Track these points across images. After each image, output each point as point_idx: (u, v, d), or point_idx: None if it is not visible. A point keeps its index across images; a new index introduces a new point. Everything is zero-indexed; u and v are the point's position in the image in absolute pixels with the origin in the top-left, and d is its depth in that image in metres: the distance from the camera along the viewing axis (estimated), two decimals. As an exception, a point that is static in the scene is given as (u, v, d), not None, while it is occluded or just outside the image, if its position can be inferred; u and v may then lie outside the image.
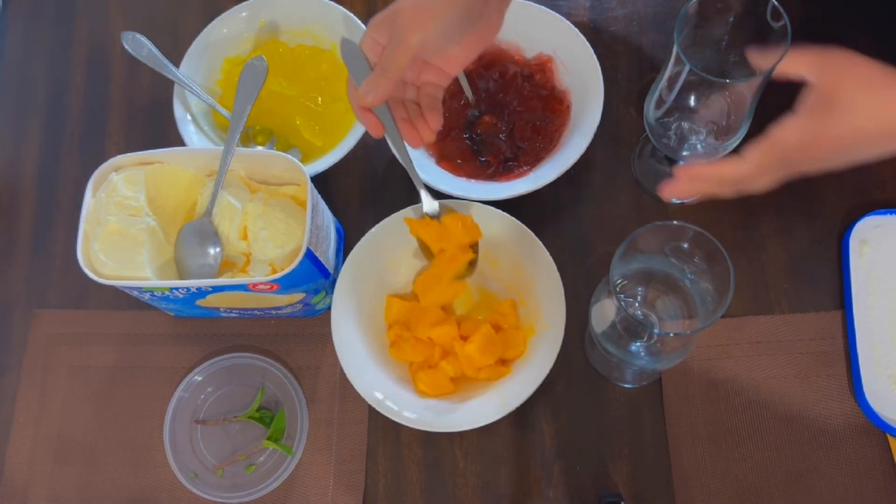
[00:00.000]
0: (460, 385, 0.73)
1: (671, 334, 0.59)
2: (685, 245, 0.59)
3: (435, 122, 0.67)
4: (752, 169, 0.58)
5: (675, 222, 0.56)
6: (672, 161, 0.76)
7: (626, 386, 0.74)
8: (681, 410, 0.73)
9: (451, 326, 0.73)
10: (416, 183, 0.72)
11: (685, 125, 0.68)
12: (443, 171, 0.80)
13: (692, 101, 0.65)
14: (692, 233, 0.57)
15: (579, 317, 0.75)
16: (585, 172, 0.81)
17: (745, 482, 0.71)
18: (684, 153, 0.69)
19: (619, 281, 0.63)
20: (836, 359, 0.74)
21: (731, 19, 0.64)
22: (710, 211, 0.79)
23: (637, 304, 0.66)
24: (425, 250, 0.75)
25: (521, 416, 0.74)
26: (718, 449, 0.72)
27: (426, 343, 0.74)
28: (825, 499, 0.70)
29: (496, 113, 0.82)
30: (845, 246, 0.76)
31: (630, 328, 0.60)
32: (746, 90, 0.62)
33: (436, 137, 0.69)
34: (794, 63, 0.58)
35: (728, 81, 0.61)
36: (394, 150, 0.73)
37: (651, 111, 0.68)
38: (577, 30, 0.81)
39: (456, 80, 0.82)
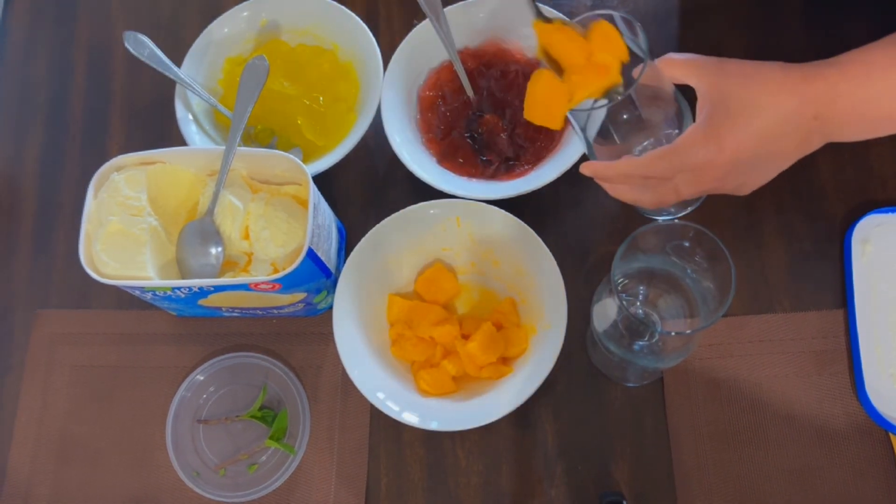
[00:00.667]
0: (462, 384, 0.73)
1: (673, 333, 0.59)
2: (686, 244, 0.59)
3: None
4: (646, 169, 0.58)
5: (676, 221, 0.56)
6: None
7: (628, 385, 0.74)
8: (682, 409, 0.73)
9: (452, 325, 0.73)
10: None
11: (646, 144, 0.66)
12: (444, 170, 0.80)
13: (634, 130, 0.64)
14: (693, 231, 0.57)
15: (581, 316, 0.75)
16: (587, 171, 0.81)
17: (746, 481, 0.71)
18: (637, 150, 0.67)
19: (620, 280, 0.63)
20: (838, 357, 0.74)
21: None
22: (711, 209, 0.79)
23: (639, 304, 0.66)
24: (554, 64, 0.61)
25: (522, 416, 0.74)
26: (720, 448, 0.72)
27: (428, 342, 0.74)
28: (827, 498, 0.70)
29: (498, 112, 0.82)
30: (847, 244, 0.76)
31: (632, 327, 0.60)
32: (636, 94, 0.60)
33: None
34: (675, 71, 0.59)
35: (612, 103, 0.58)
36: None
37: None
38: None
39: (457, 79, 0.82)
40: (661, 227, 0.57)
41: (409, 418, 0.69)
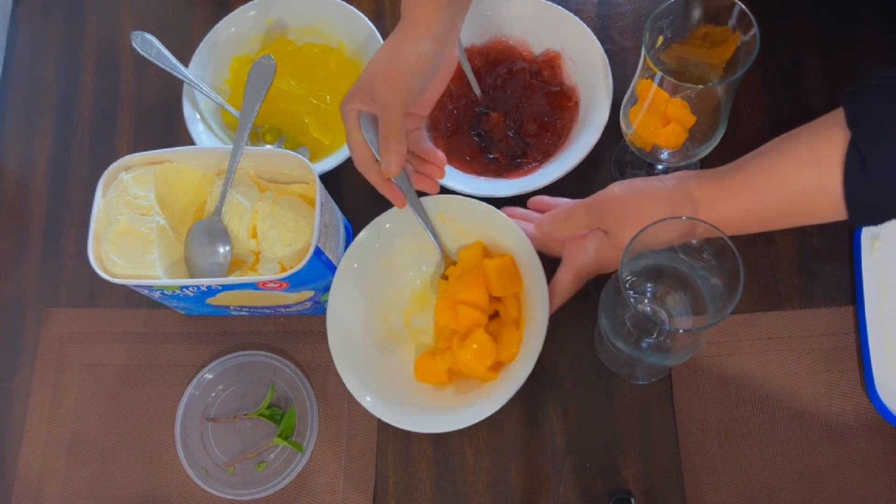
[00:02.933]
0: (456, 377, 0.73)
1: (681, 331, 0.59)
2: (694, 241, 0.59)
3: (438, 158, 0.71)
4: (573, 222, 0.69)
5: (684, 218, 0.56)
6: (651, 166, 0.77)
7: (637, 383, 0.74)
8: (691, 407, 0.73)
9: (480, 314, 0.72)
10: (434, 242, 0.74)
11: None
12: (451, 168, 0.80)
13: None
14: (701, 228, 0.57)
15: (589, 314, 0.75)
16: (594, 169, 0.81)
17: (755, 478, 0.71)
18: (662, 156, 0.69)
19: (628, 277, 0.63)
20: (848, 355, 0.73)
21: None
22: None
23: (646, 301, 0.65)
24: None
25: (530, 413, 0.74)
26: (729, 445, 0.72)
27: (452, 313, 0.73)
28: (836, 495, 0.70)
29: (504, 110, 0.82)
30: (856, 241, 0.75)
31: (639, 325, 0.60)
32: (722, 93, 0.62)
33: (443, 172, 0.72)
34: (573, 221, 0.69)
35: (702, 87, 0.61)
36: (418, 219, 0.73)
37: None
38: (585, 25, 0.80)
39: (464, 77, 0.82)
40: (670, 224, 0.57)
41: (408, 421, 0.68)
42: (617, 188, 0.66)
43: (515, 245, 0.72)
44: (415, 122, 0.71)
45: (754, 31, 0.60)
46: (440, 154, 0.71)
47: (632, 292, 0.64)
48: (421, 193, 0.73)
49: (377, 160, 0.68)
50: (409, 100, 0.65)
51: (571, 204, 0.70)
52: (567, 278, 0.70)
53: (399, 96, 0.65)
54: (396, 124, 0.65)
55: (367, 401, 0.69)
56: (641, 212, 0.63)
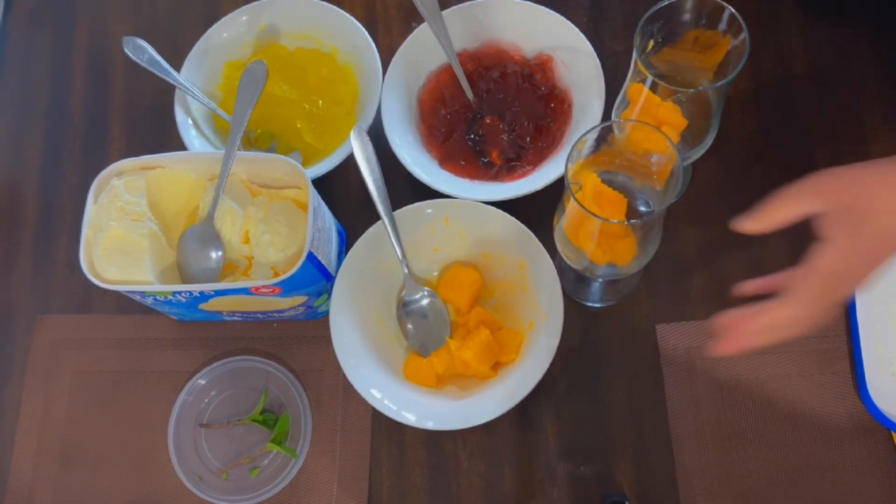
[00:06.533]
0: (450, 380, 0.73)
1: (613, 221, 0.58)
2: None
3: None
4: (808, 307, 0.55)
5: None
6: None
7: (594, 305, 0.76)
8: (684, 410, 0.73)
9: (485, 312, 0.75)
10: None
11: None
12: (446, 172, 0.80)
13: None
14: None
15: (585, 315, 0.75)
16: (587, 172, 0.81)
17: (748, 481, 0.71)
18: (653, 160, 0.69)
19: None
20: (840, 357, 0.74)
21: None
22: (711, 206, 0.79)
23: None
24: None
25: (524, 417, 0.74)
26: (722, 448, 0.72)
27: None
28: (829, 497, 0.70)
29: (498, 114, 0.82)
30: (848, 243, 0.75)
31: None
32: (713, 96, 0.63)
33: None
34: (791, 207, 0.56)
35: (693, 91, 0.61)
36: (391, 238, 0.74)
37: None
38: (577, 29, 0.81)
39: (457, 81, 0.82)
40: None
41: (408, 419, 0.68)
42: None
43: (519, 245, 0.73)
44: None
45: (744, 34, 0.61)
46: None
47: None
48: (395, 207, 0.74)
49: None
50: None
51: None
52: (807, 290, 0.55)
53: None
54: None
55: (377, 397, 0.70)
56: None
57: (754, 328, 0.56)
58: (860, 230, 0.54)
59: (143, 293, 0.68)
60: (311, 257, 0.67)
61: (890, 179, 0.54)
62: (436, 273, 0.78)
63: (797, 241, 0.77)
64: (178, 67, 0.82)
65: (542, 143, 0.80)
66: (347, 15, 0.84)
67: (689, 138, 0.66)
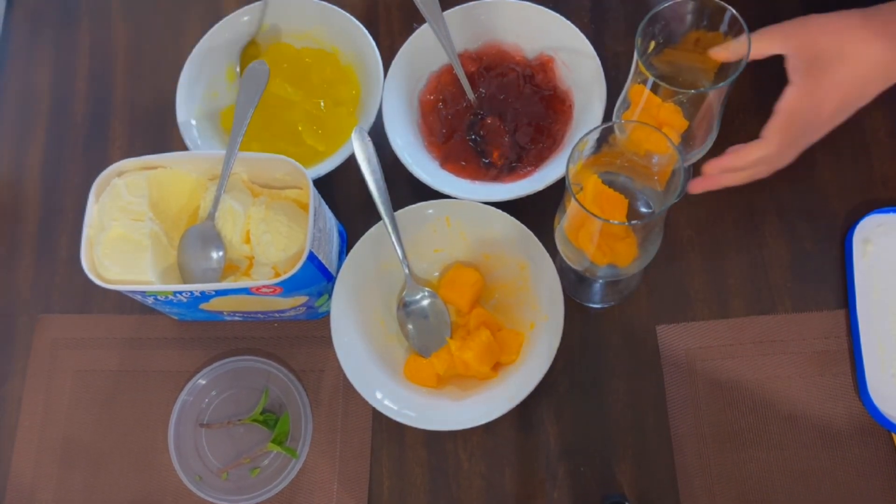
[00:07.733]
0: (447, 382, 0.73)
1: (615, 223, 0.58)
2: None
3: None
4: (777, 146, 0.61)
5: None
6: None
7: (594, 306, 0.76)
8: (684, 411, 0.73)
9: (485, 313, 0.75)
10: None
11: None
12: (447, 173, 0.80)
13: None
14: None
15: (582, 315, 0.75)
16: (587, 173, 0.81)
17: (749, 482, 0.71)
18: (654, 160, 0.69)
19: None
20: (840, 358, 0.74)
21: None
22: (713, 208, 0.79)
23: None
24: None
25: (524, 417, 0.74)
26: (722, 449, 0.72)
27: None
28: (830, 498, 0.70)
29: (499, 114, 0.82)
30: (848, 245, 0.76)
31: None
32: (714, 97, 0.63)
33: None
34: (762, 44, 0.62)
35: (694, 92, 0.61)
36: (392, 238, 0.74)
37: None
38: (577, 30, 0.81)
39: (458, 82, 0.82)
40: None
41: (409, 417, 0.69)
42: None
43: (520, 245, 0.73)
44: None
45: (745, 35, 0.61)
46: None
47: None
48: (396, 208, 0.73)
49: None
50: None
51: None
52: (771, 132, 0.62)
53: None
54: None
55: (378, 397, 0.70)
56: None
57: (730, 165, 0.64)
58: (822, 74, 0.59)
59: (143, 293, 0.68)
60: (311, 257, 0.67)
61: (859, 32, 0.57)
62: (436, 273, 0.78)
63: (797, 242, 0.78)
64: (180, 67, 0.82)
65: (542, 143, 0.80)
66: (349, 16, 0.84)
67: (689, 139, 0.66)
